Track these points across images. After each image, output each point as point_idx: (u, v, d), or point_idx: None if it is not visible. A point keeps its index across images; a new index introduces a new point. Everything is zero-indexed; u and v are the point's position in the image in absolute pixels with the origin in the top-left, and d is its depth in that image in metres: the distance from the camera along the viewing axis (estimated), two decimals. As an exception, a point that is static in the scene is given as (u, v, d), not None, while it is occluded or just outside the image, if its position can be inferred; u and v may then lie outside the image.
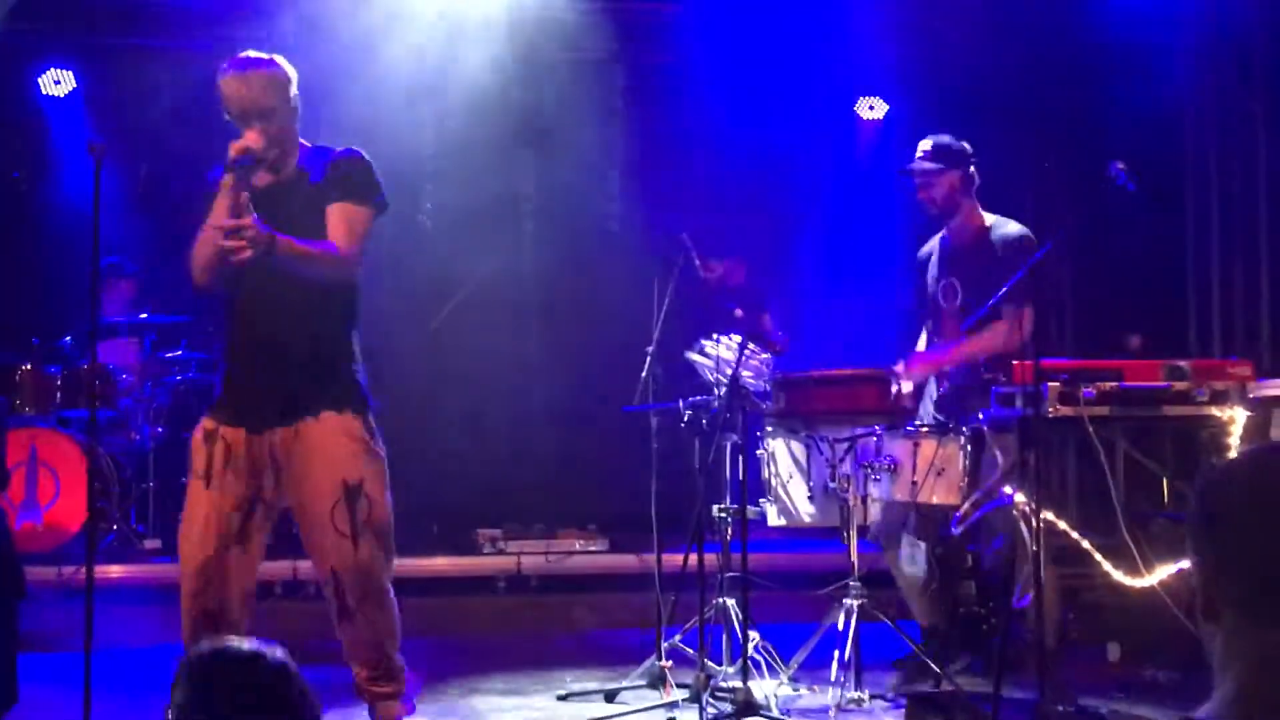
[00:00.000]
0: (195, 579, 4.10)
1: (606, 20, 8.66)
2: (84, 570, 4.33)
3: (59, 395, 7.69)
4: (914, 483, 5.30)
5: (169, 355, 8.18)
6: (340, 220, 4.22)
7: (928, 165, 5.80)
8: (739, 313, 5.53)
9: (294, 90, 4.30)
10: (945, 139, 5.84)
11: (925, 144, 5.85)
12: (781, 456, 5.68)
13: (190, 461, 4.23)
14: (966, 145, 5.85)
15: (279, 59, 4.32)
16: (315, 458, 4.15)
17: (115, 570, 7.27)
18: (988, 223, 5.87)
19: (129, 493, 7.90)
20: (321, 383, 4.23)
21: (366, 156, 4.36)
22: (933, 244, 6.09)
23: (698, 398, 5.69)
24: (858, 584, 5.35)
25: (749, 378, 5.55)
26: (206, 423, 4.25)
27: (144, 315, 8.15)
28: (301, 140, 4.39)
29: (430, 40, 8.23)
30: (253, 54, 4.28)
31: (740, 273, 7.03)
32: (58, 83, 8.83)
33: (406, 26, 8.14)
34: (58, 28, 8.66)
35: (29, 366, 7.68)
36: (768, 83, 8.87)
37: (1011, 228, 5.81)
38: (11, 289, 8.51)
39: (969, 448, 5.29)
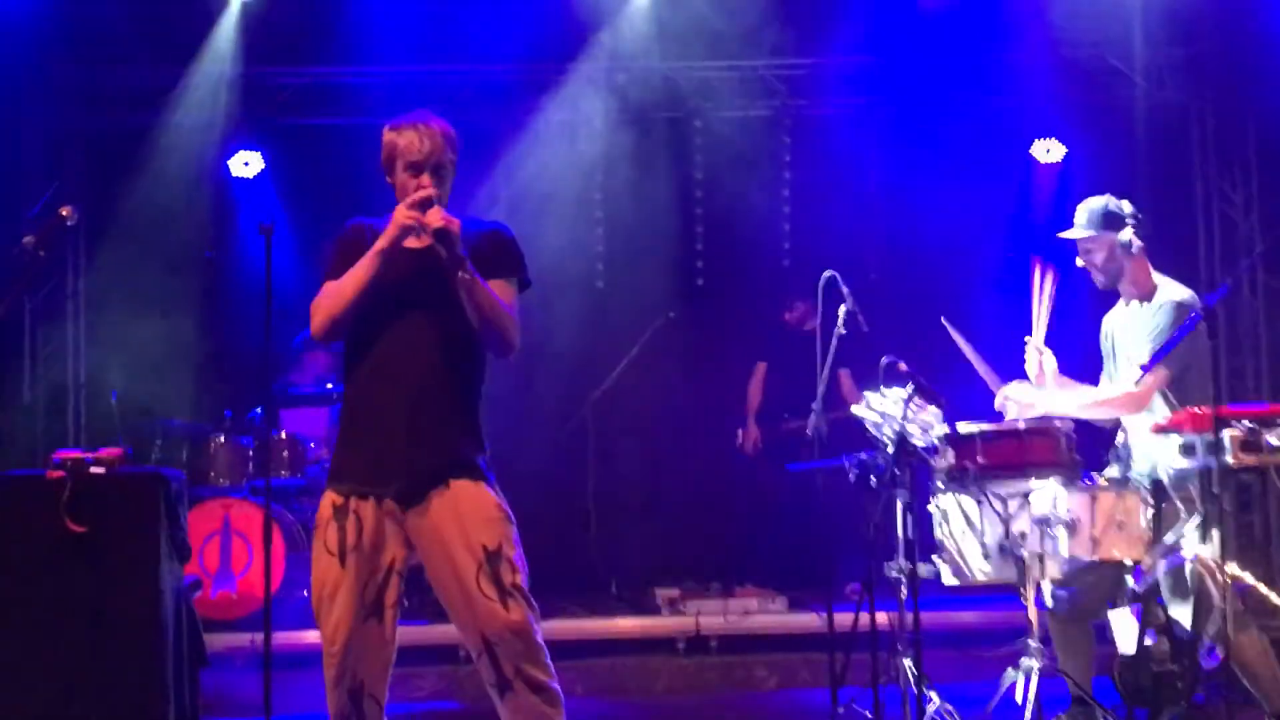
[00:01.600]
0: (339, 658, 4.06)
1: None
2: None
3: (250, 465, 7.96)
4: (1093, 538, 5.11)
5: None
6: (502, 298, 4.17)
7: (1083, 233, 5.60)
8: (903, 366, 5.42)
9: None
10: (1099, 202, 5.62)
11: (1080, 211, 5.65)
12: (953, 513, 5.53)
13: (320, 535, 4.13)
14: (1125, 205, 5.61)
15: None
16: (451, 528, 4.07)
17: (309, 635, 7.43)
18: (1156, 284, 5.61)
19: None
20: (456, 451, 4.12)
21: (512, 233, 4.32)
22: (1115, 309, 5.84)
23: (864, 454, 5.60)
24: (1037, 643, 5.17)
25: (916, 433, 5.44)
26: (334, 497, 4.14)
27: (330, 385, 8.39)
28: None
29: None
30: (426, 113, 4.25)
31: (814, 318, 6.96)
32: (246, 164, 9.18)
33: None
34: (247, 111, 9.01)
35: (222, 439, 7.98)
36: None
37: (1172, 293, 5.52)
38: (206, 364, 8.86)
39: (1150, 499, 5.09)
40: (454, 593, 4.10)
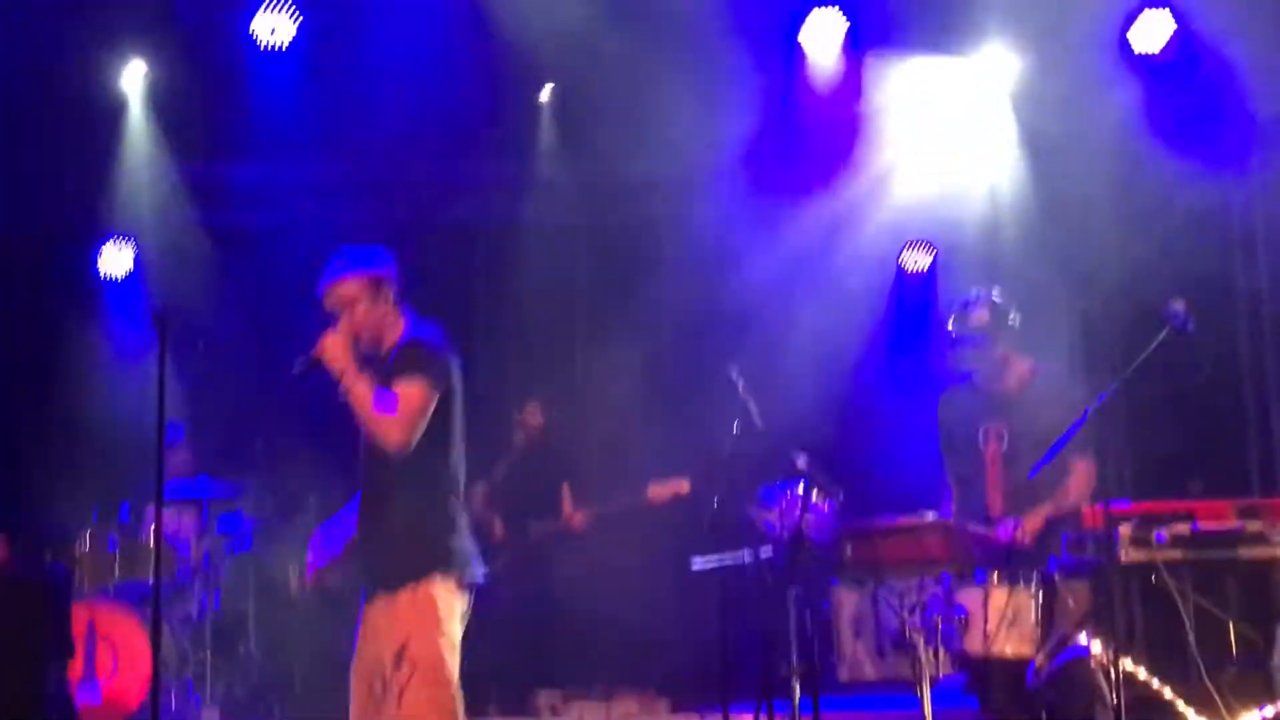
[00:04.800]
0: None
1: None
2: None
3: (117, 568, 7.68)
4: (986, 634, 5.20)
5: (225, 524, 8.17)
6: (401, 394, 4.45)
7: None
8: (802, 462, 5.49)
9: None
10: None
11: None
12: (848, 608, 5.59)
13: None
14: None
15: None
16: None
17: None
18: (1029, 365, 5.82)
19: (186, 664, 7.84)
20: (400, 554, 4.39)
21: (418, 336, 4.59)
22: (959, 387, 6.01)
23: (761, 550, 5.64)
24: (934, 741, 5.21)
25: (812, 529, 5.50)
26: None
27: (201, 484, 8.17)
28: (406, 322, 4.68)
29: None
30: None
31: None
32: (117, 262, 9.03)
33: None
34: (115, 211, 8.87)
35: (88, 542, 7.69)
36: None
37: (1056, 370, 5.75)
38: (72, 465, 8.58)
39: (1041, 596, 5.20)
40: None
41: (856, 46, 8.37)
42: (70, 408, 8.77)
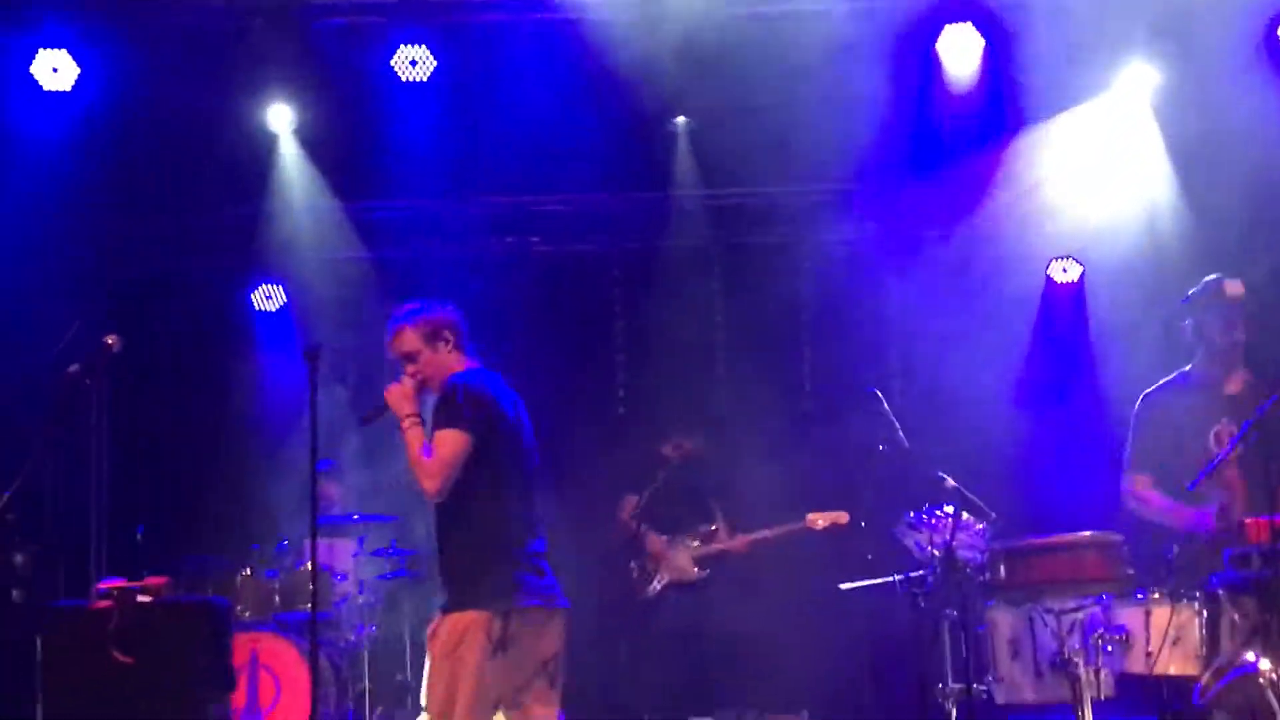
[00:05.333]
0: None
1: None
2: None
3: (277, 598, 7.87)
4: (1149, 653, 5.08)
5: (380, 553, 8.32)
6: (439, 445, 4.76)
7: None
8: (950, 482, 5.43)
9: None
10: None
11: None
12: (1003, 630, 5.49)
13: None
14: None
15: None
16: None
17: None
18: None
19: (346, 693, 7.98)
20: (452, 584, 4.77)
21: (455, 384, 4.83)
22: (1176, 388, 5.85)
23: (915, 573, 5.57)
24: (1096, 764, 5.10)
25: (964, 549, 5.42)
26: None
27: (355, 516, 8.33)
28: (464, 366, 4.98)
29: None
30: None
31: None
32: (269, 298, 9.25)
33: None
34: (268, 249, 9.11)
35: (248, 572, 7.90)
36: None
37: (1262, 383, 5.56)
38: (231, 501, 8.80)
39: (1204, 613, 5.06)
40: None
41: (994, 62, 8.26)
42: (227, 446, 8.99)
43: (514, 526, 4.81)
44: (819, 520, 7.74)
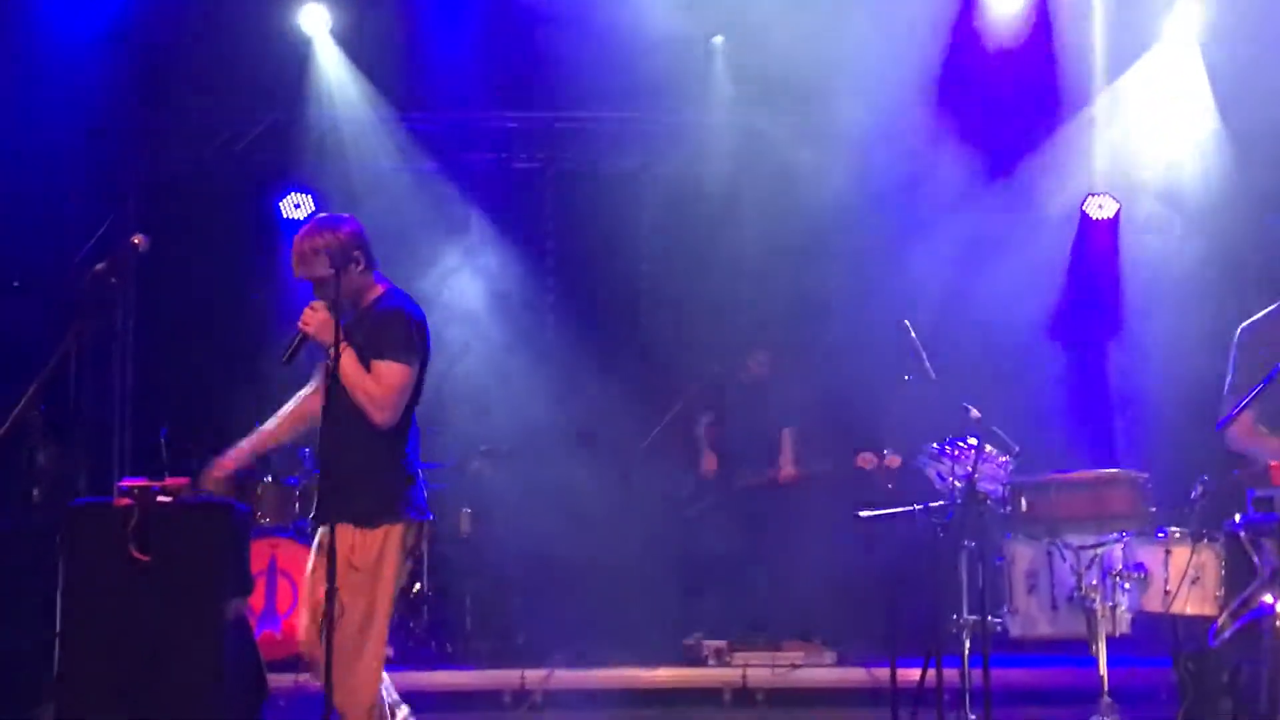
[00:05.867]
0: None
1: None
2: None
3: (297, 505, 7.92)
4: (1166, 592, 5.05)
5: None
6: (382, 375, 4.69)
7: None
8: (975, 413, 5.38)
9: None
10: None
11: None
12: (1021, 563, 5.47)
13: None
14: None
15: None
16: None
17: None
18: None
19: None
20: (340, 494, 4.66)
21: (404, 314, 4.74)
22: (1275, 314, 5.63)
23: (935, 503, 5.54)
24: (1109, 700, 5.09)
25: (985, 482, 5.39)
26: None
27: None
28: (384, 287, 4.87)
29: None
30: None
31: None
32: (297, 206, 9.20)
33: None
34: (299, 156, 9.07)
35: (269, 479, 7.94)
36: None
37: None
38: (255, 406, 8.80)
39: (1225, 554, 5.02)
40: None
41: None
42: (251, 353, 9.00)
43: (414, 443, 4.86)
44: (870, 460, 7.73)
